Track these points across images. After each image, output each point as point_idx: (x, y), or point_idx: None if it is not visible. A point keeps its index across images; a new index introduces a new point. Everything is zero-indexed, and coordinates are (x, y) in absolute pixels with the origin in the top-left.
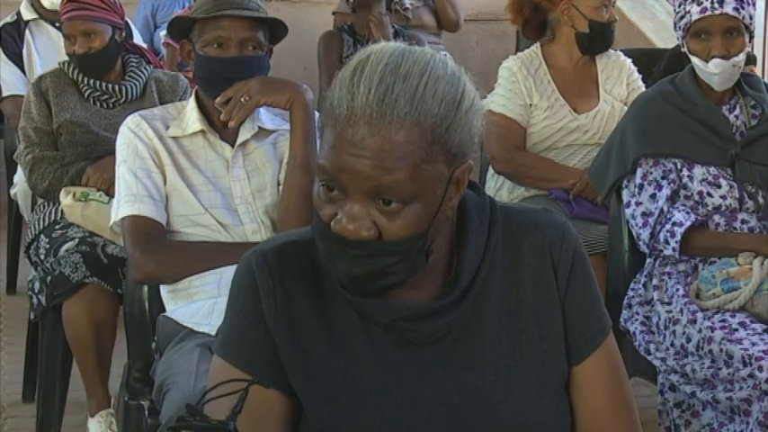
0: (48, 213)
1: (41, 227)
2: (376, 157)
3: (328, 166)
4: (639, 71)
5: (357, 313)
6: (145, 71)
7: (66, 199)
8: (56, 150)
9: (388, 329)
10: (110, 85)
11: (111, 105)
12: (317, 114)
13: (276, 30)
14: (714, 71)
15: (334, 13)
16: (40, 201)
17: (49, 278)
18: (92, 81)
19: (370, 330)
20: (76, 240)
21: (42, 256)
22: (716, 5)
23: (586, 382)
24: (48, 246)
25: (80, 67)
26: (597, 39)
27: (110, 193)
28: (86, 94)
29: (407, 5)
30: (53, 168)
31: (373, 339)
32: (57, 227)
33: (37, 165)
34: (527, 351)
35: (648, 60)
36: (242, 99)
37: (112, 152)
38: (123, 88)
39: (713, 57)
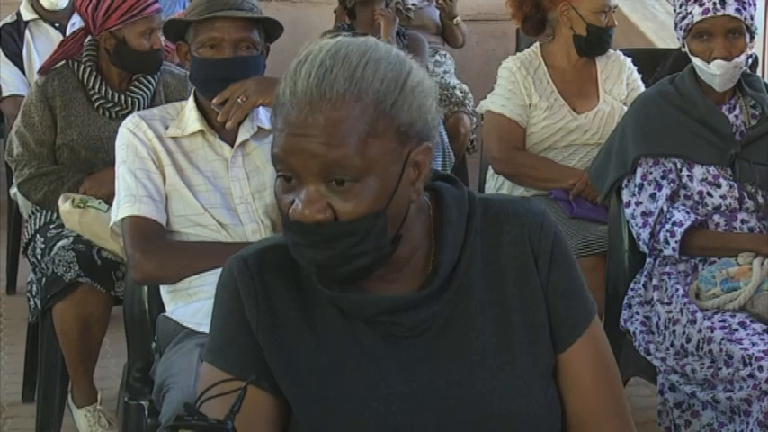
0: (44, 213)
1: (37, 227)
2: (320, 135)
3: (278, 152)
4: (639, 71)
5: (339, 310)
6: (153, 79)
7: (64, 205)
8: (54, 162)
9: (370, 324)
10: (120, 96)
11: (119, 116)
12: None
13: (271, 28)
14: (716, 72)
15: (336, 11)
16: None
17: (43, 280)
18: (102, 89)
19: (354, 326)
20: (71, 239)
21: (39, 257)
22: (718, 7)
23: (573, 369)
24: (43, 245)
25: (143, 64)
26: (594, 43)
27: (109, 201)
28: (96, 104)
29: (410, 5)
30: (48, 180)
31: (357, 335)
32: (52, 226)
33: (32, 179)
34: (512, 340)
35: (648, 60)
36: (239, 99)
37: (112, 165)
38: (135, 100)
39: (715, 58)
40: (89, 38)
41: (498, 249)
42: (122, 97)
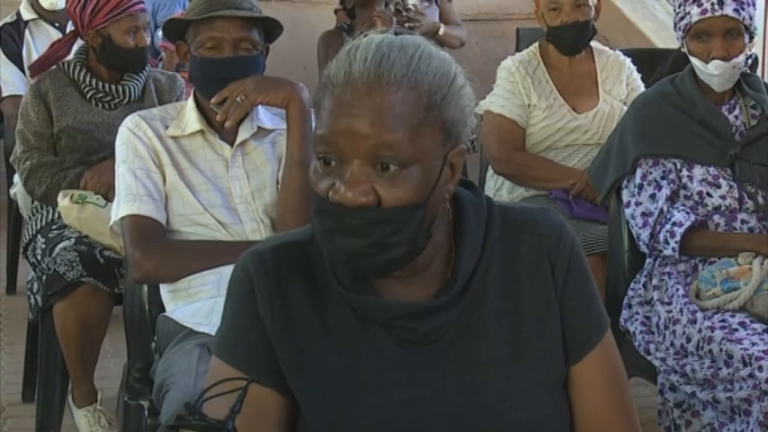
0: (45, 214)
1: (38, 227)
2: (374, 115)
3: (326, 133)
4: (639, 71)
5: (354, 312)
6: (143, 72)
7: (63, 201)
8: (55, 154)
9: (385, 328)
10: (111, 86)
11: (112, 106)
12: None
13: (271, 28)
14: (714, 72)
15: (336, 11)
16: (37, 202)
17: (44, 277)
18: (93, 81)
19: (368, 330)
20: (73, 240)
21: (39, 257)
22: (716, 7)
23: (585, 381)
24: (44, 246)
25: (129, 62)
26: (555, 42)
27: (108, 197)
28: (88, 95)
29: (410, 6)
30: (51, 173)
31: (371, 339)
32: (53, 227)
33: (35, 171)
34: (525, 350)
35: (648, 60)
36: (238, 99)
37: (112, 156)
38: (126, 89)
39: (713, 58)
40: (81, 43)
41: (516, 258)
42: (113, 87)
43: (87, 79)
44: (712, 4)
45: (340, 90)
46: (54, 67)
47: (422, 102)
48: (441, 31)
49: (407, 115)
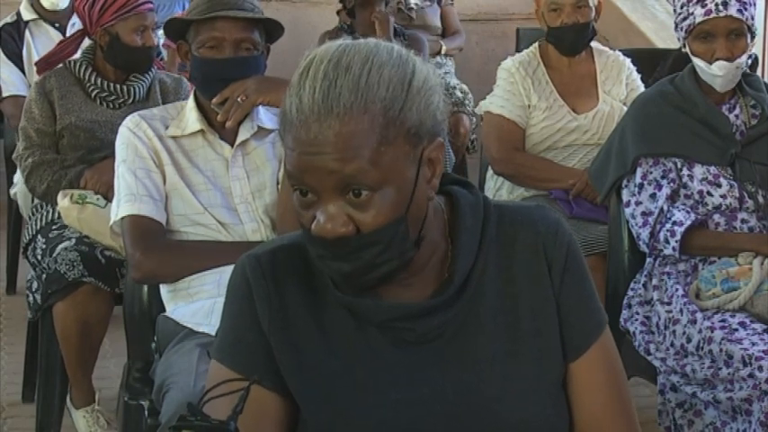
0: (45, 214)
1: (38, 227)
2: (333, 151)
3: (293, 170)
4: (639, 71)
5: (351, 313)
6: (149, 72)
7: (63, 201)
8: (57, 152)
9: (382, 329)
10: (117, 86)
11: (116, 106)
12: None
13: (272, 29)
14: (718, 73)
15: (338, 12)
16: (37, 201)
17: (44, 276)
18: (99, 80)
19: (365, 330)
20: (74, 240)
21: (39, 257)
22: (720, 8)
23: (583, 379)
24: (44, 246)
25: (135, 61)
26: (554, 43)
27: (108, 196)
28: (93, 95)
29: (412, 5)
30: (52, 171)
31: (368, 339)
32: (54, 227)
33: (36, 169)
34: (523, 349)
35: (648, 60)
36: (238, 99)
37: (113, 155)
38: (131, 89)
39: (717, 59)
40: (88, 42)
41: (512, 257)
42: (118, 87)
43: (93, 78)
44: (716, 4)
45: (296, 129)
46: (60, 65)
47: (377, 122)
48: (442, 51)
49: (365, 141)
